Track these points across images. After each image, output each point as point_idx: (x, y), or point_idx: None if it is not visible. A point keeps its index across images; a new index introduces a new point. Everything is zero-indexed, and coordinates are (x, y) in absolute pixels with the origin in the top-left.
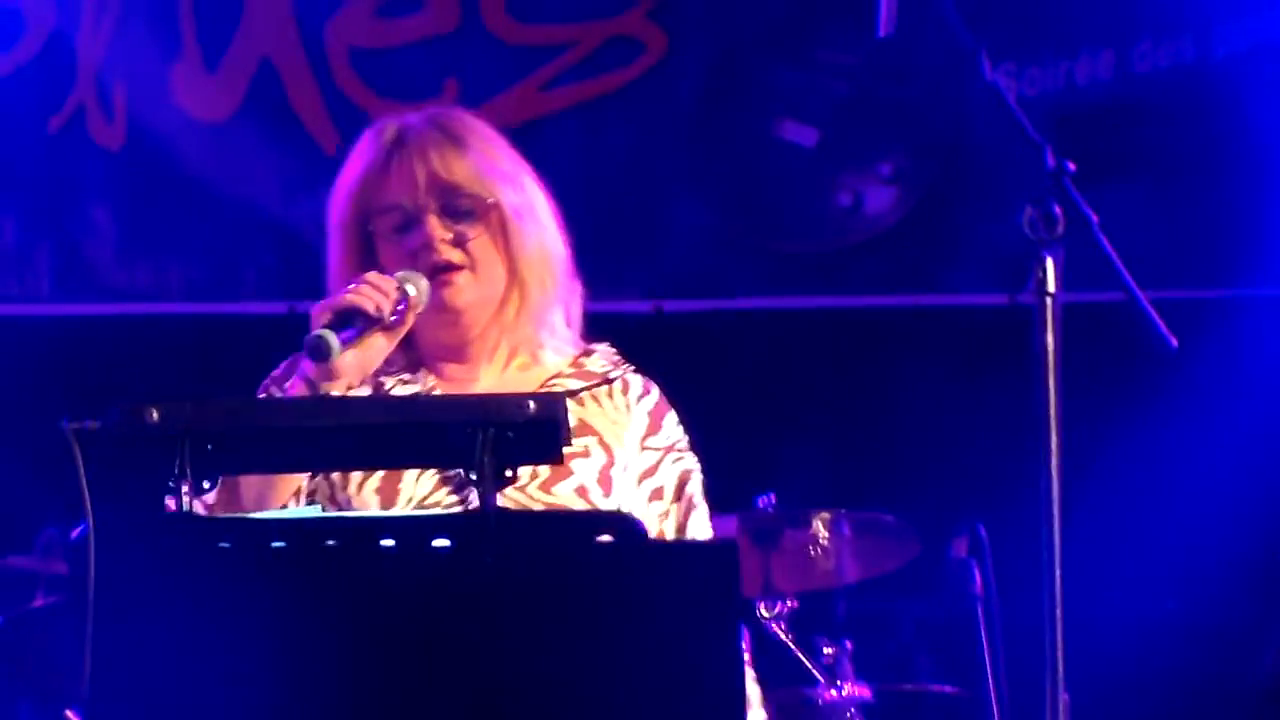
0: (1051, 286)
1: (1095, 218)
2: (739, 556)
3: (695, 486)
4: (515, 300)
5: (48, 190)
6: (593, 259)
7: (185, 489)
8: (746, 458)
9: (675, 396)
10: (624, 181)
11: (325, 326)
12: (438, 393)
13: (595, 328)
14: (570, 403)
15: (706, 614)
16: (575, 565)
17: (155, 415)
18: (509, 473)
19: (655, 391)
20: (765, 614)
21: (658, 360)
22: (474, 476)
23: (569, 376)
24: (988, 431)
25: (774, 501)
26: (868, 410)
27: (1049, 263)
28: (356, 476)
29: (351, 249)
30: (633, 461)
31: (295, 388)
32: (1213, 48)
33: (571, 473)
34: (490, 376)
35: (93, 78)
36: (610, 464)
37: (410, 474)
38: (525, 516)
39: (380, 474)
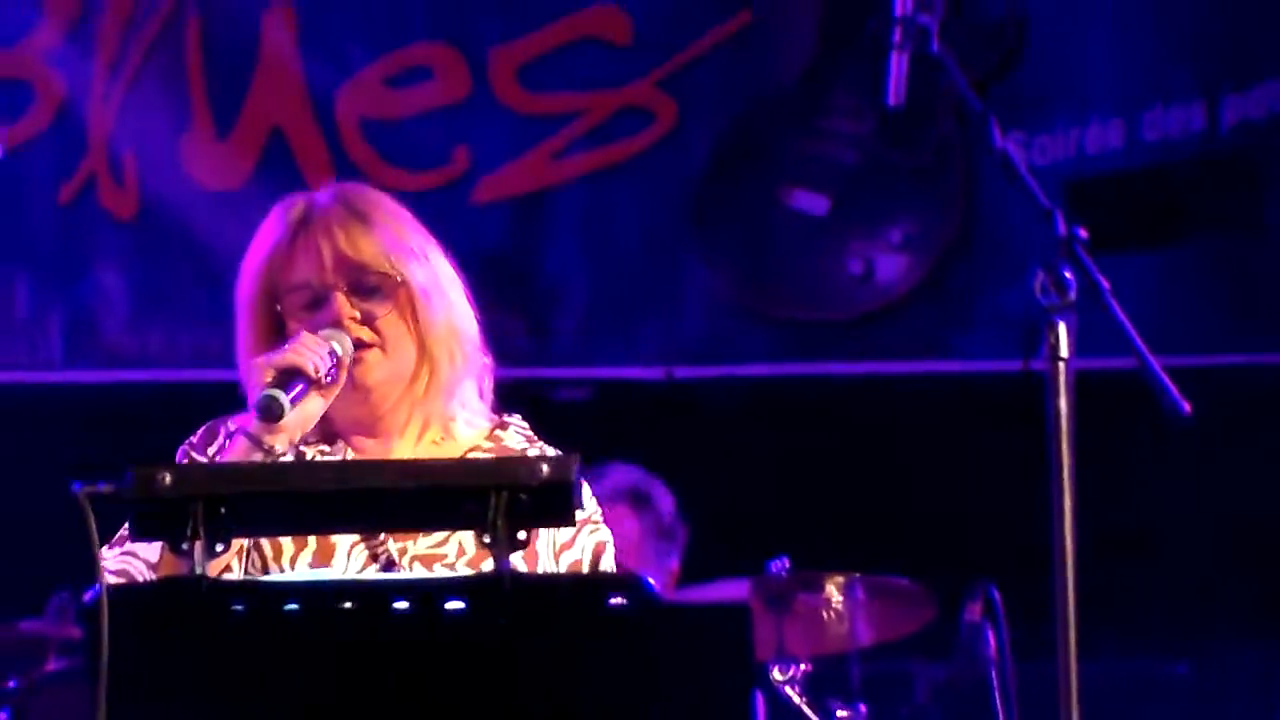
0: (1064, 351)
1: (1106, 284)
2: (752, 619)
3: (609, 558)
4: (425, 376)
5: (59, 258)
6: (604, 325)
7: (198, 552)
8: (759, 522)
9: (688, 461)
10: (635, 249)
11: (270, 385)
12: None
13: (608, 393)
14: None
15: (720, 677)
16: (588, 627)
17: (168, 479)
18: (522, 535)
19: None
20: (779, 677)
21: (669, 426)
22: (487, 540)
23: (487, 451)
24: (1001, 495)
25: (787, 566)
26: (881, 475)
27: (1061, 327)
28: (288, 551)
29: (260, 326)
30: (552, 534)
31: (237, 444)
32: (1223, 115)
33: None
34: (404, 450)
35: (104, 146)
36: (535, 538)
37: (341, 550)
38: (539, 579)
39: (311, 549)
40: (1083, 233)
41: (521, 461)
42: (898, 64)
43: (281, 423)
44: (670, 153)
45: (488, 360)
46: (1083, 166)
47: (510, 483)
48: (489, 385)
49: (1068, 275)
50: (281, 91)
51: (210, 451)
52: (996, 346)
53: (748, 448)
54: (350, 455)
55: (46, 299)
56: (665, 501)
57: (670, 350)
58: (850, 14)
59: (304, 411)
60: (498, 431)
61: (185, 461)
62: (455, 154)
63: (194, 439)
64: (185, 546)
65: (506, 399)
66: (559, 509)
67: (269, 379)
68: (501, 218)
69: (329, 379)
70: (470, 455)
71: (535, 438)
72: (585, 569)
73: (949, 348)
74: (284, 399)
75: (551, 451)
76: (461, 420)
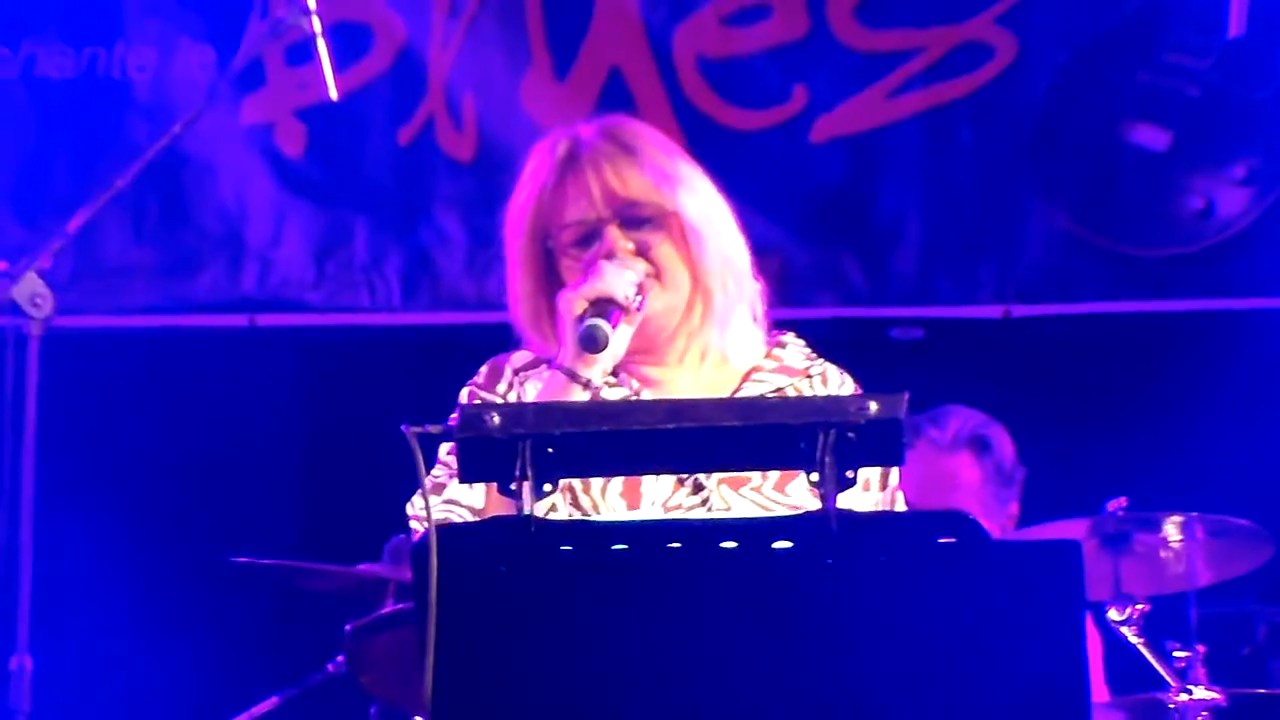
0: None
1: None
2: (1082, 556)
3: (895, 478)
4: (700, 305)
5: (398, 201)
6: (942, 263)
7: (526, 492)
8: (1096, 461)
9: (1024, 400)
10: (973, 186)
11: (589, 316)
12: (645, 395)
13: (944, 331)
14: (776, 397)
15: (1050, 615)
16: (916, 566)
17: (496, 419)
18: (850, 474)
19: (850, 381)
20: (1116, 617)
21: (1007, 364)
22: (814, 478)
23: (771, 371)
24: None
25: (1124, 505)
26: (1219, 412)
27: None
28: (599, 479)
29: (532, 266)
30: None
31: (554, 380)
32: None
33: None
34: (686, 378)
35: (442, 89)
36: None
37: (650, 476)
38: (865, 518)
39: (621, 476)
40: None
41: (850, 399)
42: None
43: (599, 354)
44: (1009, 88)
45: (760, 285)
46: None
47: (839, 420)
48: (762, 309)
49: None
50: (620, 31)
51: (500, 390)
52: None
53: (1085, 386)
54: (636, 385)
55: (385, 242)
56: (1006, 446)
57: (1007, 288)
58: None
59: (618, 340)
60: (776, 351)
61: (474, 403)
62: (794, 93)
63: (479, 379)
64: (513, 487)
65: (841, 337)
66: (888, 447)
67: (581, 310)
68: (839, 156)
69: (636, 306)
70: (754, 375)
71: (815, 354)
72: (875, 488)
73: None
74: (607, 328)
75: (834, 368)
76: (737, 345)
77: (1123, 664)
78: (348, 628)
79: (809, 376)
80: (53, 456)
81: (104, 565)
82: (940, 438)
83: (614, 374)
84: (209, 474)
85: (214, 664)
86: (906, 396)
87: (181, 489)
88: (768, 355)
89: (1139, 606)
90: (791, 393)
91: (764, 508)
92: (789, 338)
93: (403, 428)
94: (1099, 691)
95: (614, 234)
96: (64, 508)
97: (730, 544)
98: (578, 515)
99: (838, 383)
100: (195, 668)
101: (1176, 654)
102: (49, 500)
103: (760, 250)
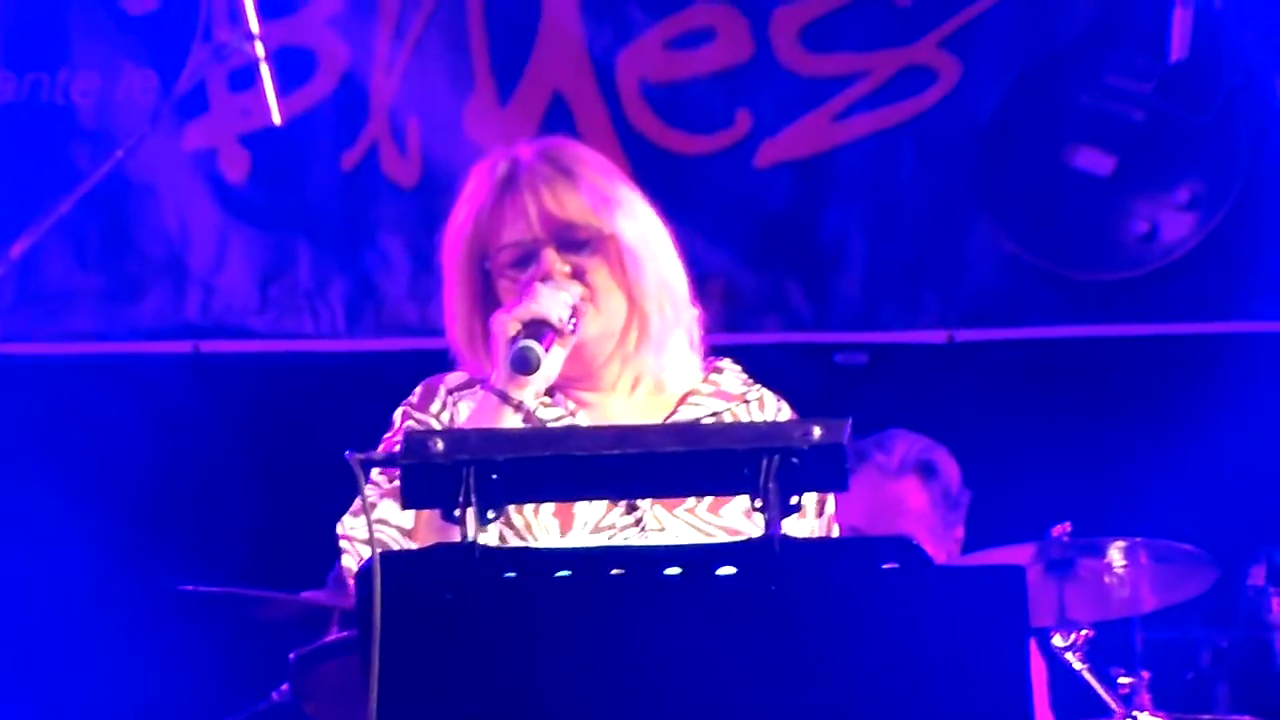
0: None
1: None
2: (1026, 580)
3: (832, 506)
4: (635, 330)
5: (342, 227)
6: (886, 288)
7: (470, 518)
8: (1041, 487)
9: (969, 425)
10: (917, 211)
11: (521, 338)
12: (581, 416)
13: (889, 356)
14: (716, 423)
15: (994, 640)
16: (860, 592)
17: (439, 445)
18: (795, 500)
19: (786, 407)
20: (1061, 643)
21: (951, 389)
22: (758, 504)
23: (708, 396)
24: None
25: (1069, 530)
26: (1163, 438)
27: None
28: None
29: (469, 286)
30: None
31: (487, 403)
32: None
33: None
34: (620, 400)
35: (386, 114)
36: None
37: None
38: (809, 543)
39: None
40: None
41: (794, 424)
42: (1181, 19)
43: (531, 376)
44: (953, 112)
45: (697, 311)
46: None
47: (782, 446)
48: (699, 335)
49: None
50: (563, 55)
51: (434, 410)
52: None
53: (1029, 411)
54: (572, 407)
55: (329, 267)
56: (952, 471)
57: (951, 313)
58: None
59: (551, 362)
60: (712, 376)
61: (407, 423)
62: (737, 117)
63: (413, 399)
64: (457, 513)
65: (786, 362)
66: (831, 472)
67: (514, 332)
68: (783, 180)
69: (571, 329)
70: (690, 398)
71: (752, 379)
72: (810, 515)
73: (1234, 308)
74: (540, 349)
75: (771, 394)
76: (673, 371)
77: (1067, 690)
78: (292, 656)
79: (746, 401)
80: None
81: (48, 592)
82: (887, 463)
83: (549, 394)
84: (153, 501)
85: (159, 692)
86: (850, 422)
87: (125, 516)
88: (704, 380)
89: (1083, 632)
90: (728, 417)
91: (698, 529)
92: (725, 363)
93: (347, 454)
94: (1044, 717)
95: (550, 256)
96: (6, 534)
97: (674, 570)
98: (510, 535)
99: (774, 408)
100: (140, 696)
101: (1121, 679)
102: None
103: (704, 276)
